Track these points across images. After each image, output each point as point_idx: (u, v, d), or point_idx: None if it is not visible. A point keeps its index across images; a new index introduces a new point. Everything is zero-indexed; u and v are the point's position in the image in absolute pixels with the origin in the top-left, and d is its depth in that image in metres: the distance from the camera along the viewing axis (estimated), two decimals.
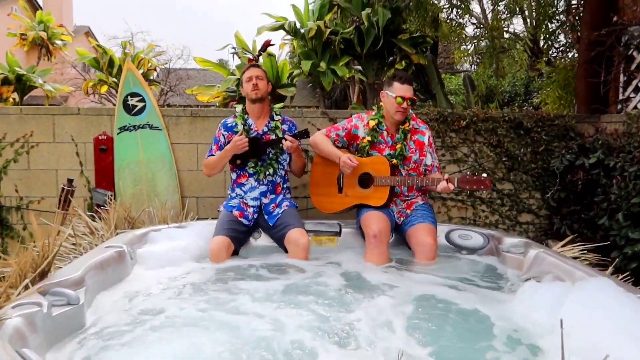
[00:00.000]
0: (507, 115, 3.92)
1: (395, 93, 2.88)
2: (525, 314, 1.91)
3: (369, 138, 2.96)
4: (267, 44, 5.65)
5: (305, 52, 6.03)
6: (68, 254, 2.70)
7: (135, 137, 3.84)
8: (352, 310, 2.02)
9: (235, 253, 2.87)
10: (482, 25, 6.52)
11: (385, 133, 2.99)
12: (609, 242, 3.20)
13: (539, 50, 6.31)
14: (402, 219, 3.01)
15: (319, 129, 3.38)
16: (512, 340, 1.75)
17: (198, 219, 3.67)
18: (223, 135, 3.07)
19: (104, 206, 3.57)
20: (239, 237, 2.91)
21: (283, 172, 3.11)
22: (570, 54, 6.15)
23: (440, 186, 2.76)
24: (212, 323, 1.92)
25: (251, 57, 5.78)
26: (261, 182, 3.04)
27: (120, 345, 1.73)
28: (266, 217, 3.01)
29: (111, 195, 3.74)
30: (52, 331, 1.71)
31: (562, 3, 5.43)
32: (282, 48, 7.53)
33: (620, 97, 4.05)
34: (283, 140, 2.91)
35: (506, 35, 6.52)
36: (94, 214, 3.46)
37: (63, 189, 3.48)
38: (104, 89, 9.30)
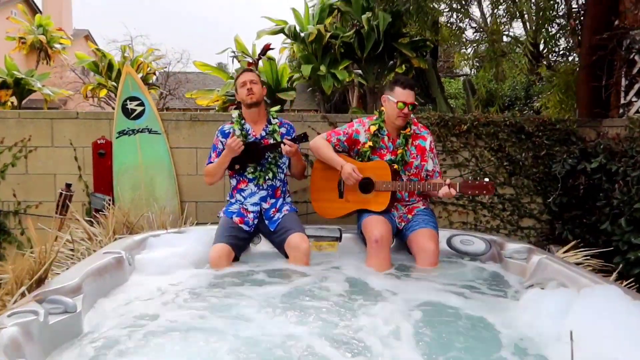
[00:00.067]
0: (509, 120, 3.90)
1: (396, 98, 2.86)
2: (531, 322, 1.88)
3: (370, 143, 2.94)
4: (267, 47, 5.64)
5: (306, 56, 6.02)
6: (65, 260, 2.67)
7: (134, 141, 3.81)
8: (357, 318, 1.99)
9: (235, 259, 2.84)
10: (482, 29, 6.51)
11: (386, 138, 2.96)
12: (612, 248, 3.17)
13: (539, 54, 6.30)
14: (403, 224, 2.98)
15: (319, 133, 3.35)
16: (520, 349, 1.72)
17: (197, 224, 3.65)
18: (221, 142, 3.04)
19: (103, 211, 3.54)
20: (239, 244, 2.87)
21: (282, 176, 3.09)
22: (570, 58, 6.14)
23: (442, 191, 2.73)
24: (212, 330, 1.89)
25: (251, 60, 5.76)
26: (261, 187, 3.01)
27: (118, 354, 1.70)
28: (267, 222, 2.98)
29: (109, 200, 3.71)
30: (48, 340, 1.68)
31: (562, 7, 5.42)
32: (282, 52, 7.52)
33: (622, 101, 4.04)
34: (282, 145, 2.88)
35: (506, 39, 6.50)
36: (92, 219, 3.43)
37: (61, 193, 3.46)
38: (103, 92, 9.28)
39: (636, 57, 3.88)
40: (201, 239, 2.91)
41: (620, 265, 2.98)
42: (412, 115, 2.99)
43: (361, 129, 3.00)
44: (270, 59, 5.65)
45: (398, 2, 5.09)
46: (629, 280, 2.66)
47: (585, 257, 2.97)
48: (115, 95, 5.36)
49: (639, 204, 3.06)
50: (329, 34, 5.77)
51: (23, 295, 1.86)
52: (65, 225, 3.27)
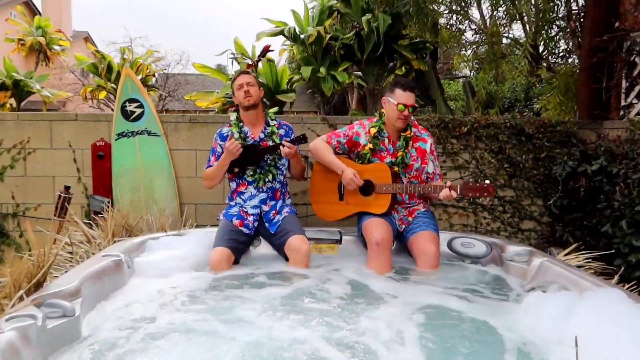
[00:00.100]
0: (509, 122, 3.90)
1: (397, 100, 2.85)
2: (533, 326, 1.87)
3: (370, 145, 2.93)
4: (267, 49, 5.63)
5: (305, 58, 6.02)
6: (64, 263, 2.65)
7: (133, 143, 3.80)
8: (360, 321, 1.98)
9: (235, 262, 2.82)
10: (481, 31, 6.51)
11: (386, 140, 2.95)
12: (613, 251, 3.16)
13: (539, 56, 6.29)
14: (403, 226, 2.97)
15: (318, 135, 3.34)
16: (523, 354, 1.70)
17: (197, 226, 3.63)
18: (220, 145, 3.01)
19: (102, 213, 3.52)
20: (239, 247, 2.86)
21: (282, 178, 3.07)
22: (570, 60, 6.13)
23: (443, 194, 2.72)
24: (214, 334, 1.88)
25: (250, 62, 5.75)
26: (260, 190, 2.99)
27: (116, 358, 1.69)
28: (267, 225, 2.96)
29: (109, 202, 3.69)
30: (46, 344, 1.67)
31: (562, 9, 5.42)
32: (281, 54, 7.52)
33: (623, 103, 4.03)
34: (281, 147, 2.86)
35: (506, 41, 6.50)
36: (91, 222, 3.41)
37: (60, 196, 3.44)
38: (103, 94, 9.28)
39: (637, 59, 3.87)
40: (201, 242, 2.90)
41: (622, 268, 2.97)
42: (412, 118, 2.98)
43: (361, 131, 2.99)
44: (270, 61, 5.65)
45: (398, 3, 5.08)
46: (631, 284, 2.65)
47: (587, 260, 2.96)
48: (115, 97, 5.34)
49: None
50: (328, 36, 5.77)
51: (21, 299, 1.84)
52: (64, 228, 3.25)
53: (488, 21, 6.61)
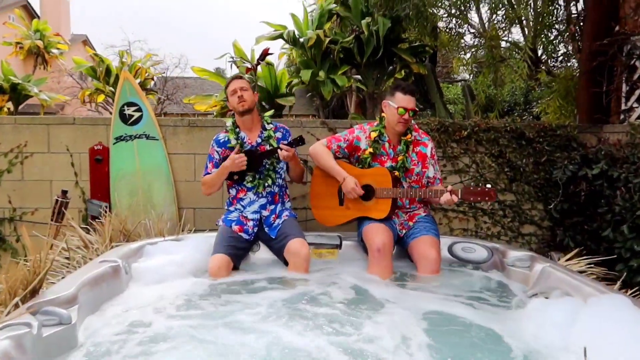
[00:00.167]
0: (509, 125, 3.88)
1: (397, 104, 2.83)
2: (537, 333, 1.85)
3: (370, 150, 2.90)
4: (266, 52, 5.61)
5: (305, 61, 6.00)
6: (61, 268, 2.62)
7: (131, 147, 3.77)
8: (363, 327, 1.95)
9: (234, 268, 2.79)
10: (480, 35, 6.51)
11: (387, 144, 2.93)
12: (615, 256, 3.14)
13: (538, 60, 6.30)
14: (404, 231, 2.94)
15: (318, 139, 3.32)
16: None
17: (195, 231, 3.60)
18: (217, 152, 2.98)
19: (99, 218, 3.49)
20: (238, 253, 2.83)
21: (281, 181, 3.04)
22: (570, 64, 6.14)
23: (444, 198, 2.70)
24: (212, 341, 1.85)
25: (249, 66, 5.73)
26: (260, 195, 2.97)
27: None
28: (266, 229, 2.93)
29: (106, 207, 3.66)
30: (42, 353, 1.64)
31: (562, 12, 5.42)
32: (280, 58, 7.51)
33: (623, 107, 4.02)
34: (278, 150, 2.84)
35: (505, 45, 6.51)
36: (88, 227, 3.38)
37: (57, 200, 3.41)
38: (101, 98, 9.26)
39: (637, 63, 3.86)
40: (199, 247, 2.87)
41: (624, 274, 2.95)
42: (412, 122, 2.97)
43: (362, 136, 2.96)
44: (269, 64, 5.63)
45: (398, 7, 5.08)
46: (634, 289, 2.62)
47: (589, 265, 2.94)
48: (113, 101, 5.32)
49: None
50: (328, 39, 5.76)
51: (17, 306, 1.81)
52: (61, 233, 3.22)
53: (487, 25, 6.61)
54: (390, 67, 6.25)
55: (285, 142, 2.90)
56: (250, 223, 2.93)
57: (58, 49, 13.20)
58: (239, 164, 2.82)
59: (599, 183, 3.44)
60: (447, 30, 6.17)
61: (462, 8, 5.90)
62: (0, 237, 3.77)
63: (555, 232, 3.77)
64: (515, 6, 5.75)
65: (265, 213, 2.96)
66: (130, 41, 12.56)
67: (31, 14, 18.27)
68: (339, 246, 3.04)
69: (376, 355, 1.71)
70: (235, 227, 2.89)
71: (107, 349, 1.77)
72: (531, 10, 5.81)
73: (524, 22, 6.47)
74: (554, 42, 5.95)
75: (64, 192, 3.50)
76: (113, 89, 8.29)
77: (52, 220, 3.36)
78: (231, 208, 3.01)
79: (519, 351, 1.74)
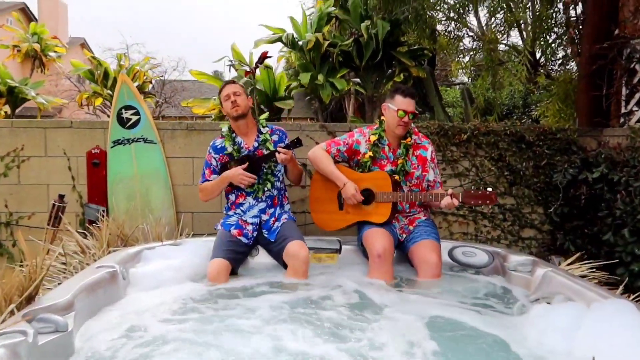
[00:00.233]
0: (509, 129, 3.87)
1: (397, 106, 2.81)
2: (541, 338, 1.83)
3: (370, 153, 2.88)
4: (264, 55, 5.59)
5: (304, 64, 5.99)
6: (57, 274, 2.59)
7: (129, 150, 3.75)
8: (366, 334, 1.93)
9: (233, 273, 2.76)
10: (479, 38, 6.52)
11: (387, 148, 2.91)
12: (616, 260, 3.12)
13: (537, 63, 6.30)
14: (404, 235, 2.92)
15: (317, 143, 3.30)
16: None
17: (194, 235, 3.57)
18: (214, 158, 2.96)
19: (97, 222, 3.46)
20: (237, 257, 2.80)
21: (279, 184, 3.02)
22: (568, 67, 6.15)
23: (444, 202, 2.68)
24: (212, 347, 1.83)
25: (248, 69, 5.72)
26: (260, 200, 2.94)
27: None
28: (266, 233, 2.90)
29: (104, 211, 3.63)
30: None
31: (561, 16, 5.43)
32: (279, 61, 7.50)
33: (623, 110, 4.02)
34: (276, 153, 2.81)
35: (505, 48, 6.51)
36: (85, 231, 3.35)
37: (54, 205, 3.37)
38: (99, 101, 9.22)
39: (637, 67, 3.86)
40: (198, 252, 2.84)
41: (626, 278, 2.93)
42: (412, 125, 2.95)
43: (362, 139, 2.94)
44: (268, 68, 5.61)
45: (397, 10, 5.07)
46: (636, 294, 2.60)
47: (590, 270, 2.92)
48: (111, 104, 5.30)
49: None
50: (327, 43, 5.75)
51: (12, 313, 1.78)
52: (58, 238, 3.19)
53: (485, 28, 6.61)
54: (390, 71, 6.24)
55: (283, 144, 2.88)
56: (250, 227, 2.91)
57: (55, 52, 13.16)
58: (241, 179, 2.81)
59: (599, 187, 3.43)
60: (446, 33, 6.18)
61: (461, 11, 5.90)
62: None
63: (556, 236, 3.76)
64: (513, 9, 5.76)
65: (264, 217, 2.94)
66: (128, 44, 12.55)
67: (29, 16, 18.24)
68: (339, 251, 3.01)
69: None
70: (234, 231, 2.86)
71: (105, 356, 1.75)
72: (530, 14, 5.82)
73: (523, 25, 6.48)
74: (553, 45, 5.96)
75: (61, 197, 3.46)
76: (111, 92, 8.26)
77: (48, 224, 3.33)
78: (230, 212, 2.99)
79: (525, 358, 1.71)
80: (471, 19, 6.61)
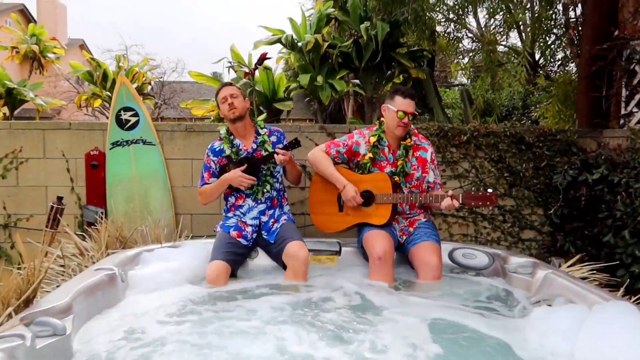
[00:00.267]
0: (509, 130, 3.86)
1: (396, 107, 2.80)
2: (542, 341, 1.82)
3: (370, 155, 2.87)
4: (264, 57, 5.58)
5: (303, 66, 5.98)
6: (56, 276, 2.57)
7: (128, 152, 3.73)
8: (366, 337, 1.92)
9: (232, 275, 2.74)
10: (478, 39, 6.52)
11: (386, 149, 2.90)
12: (617, 262, 3.11)
13: (536, 64, 6.30)
14: (404, 237, 2.91)
15: (317, 144, 3.29)
16: None
17: (193, 237, 3.56)
18: (213, 161, 2.94)
19: (95, 224, 3.45)
20: (236, 259, 2.78)
21: (278, 185, 3.01)
22: (568, 68, 6.15)
23: (445, 203, 2.67)
24: (211, 350, 1.82)
25: (247, 70, 5.70)
26: (259, 202, 2.93)
27: None
28: (265, 234, 2.89)
29: (102, 213, 3.62)
30: None
31: (560, 17, 5.42)
32: (278, 62, 7.49)
33: (623, 111, 4.01)
34: (275, 155, 2.80)
35: (504, 49, 6.52)
36: (84, 233, 3.34)
37: (52, 206, 3.36)
38: (98, 102, 9.20)
39: (637, 68, 3.86)
40: (197, 254, 2.83)
41: (627, 280, 2.92)
42: (412, 126, 2.94)
43: (361, 141, 2.93)
44: (267, 69, 5.60)
45: (396, 11, 5.07)
46: (637, 297, 2.59)
47: (591, 272, 2.91)
48: (110, 105, 5.29)
49: None
50: (326, 44, 5.74)
51: (10, 316, 1.77)
52: (56, 240, 3.17)
53: (485, 29, 6.61)
54: (389, 72, 6.23)
55: (281, 145, 2.87)
56: (249, 229, 2.89)
57: (54, 53, 13.12)
58: (241, 182, 2.80)
59: (599, 188, 3.43)
60: (446, 34, 6.17)
61: (460, 12, 5.90)
62: None
63: (556, 237, 3.75)
64: (513, 11, 5.76)
65: (264, 219, 2.92)
66: (127, 45, 12.53)
67: (28, 18, 18.22)
68: (339, 252, 3.00)
69: None
70: (233, 233, 2.85)
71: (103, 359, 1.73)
72: (529, 15, 5.82)
73: (522, 26, 6.48)
74: (552, 46, 5.95)
75: (60, 198, 3.45)
76: (110, 94, 8.24)
77: (47, 226, 3.31)
78: (229, 214, 2.97)
79: None
80: (470, 20, 6.62)
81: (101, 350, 1.81)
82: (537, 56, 6.53)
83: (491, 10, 5.80)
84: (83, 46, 20.30)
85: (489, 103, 8.10)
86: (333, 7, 6.24)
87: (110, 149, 3.72)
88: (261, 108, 5.74)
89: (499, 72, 6.40)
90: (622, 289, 2.62)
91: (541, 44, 5.90)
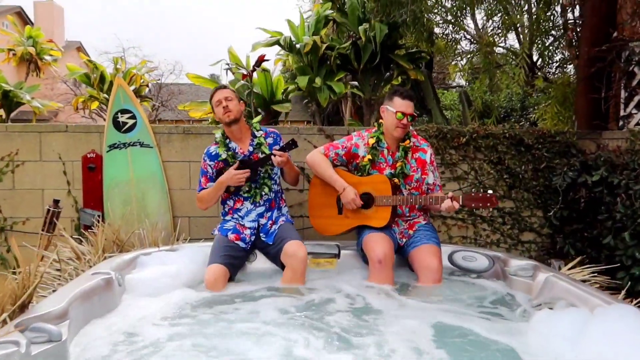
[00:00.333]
0: (508, 132, 3.84)
1: (395, 108, 2.79)
2: (544, 345, 1.80)
3: (369, 157, 2.85)
4: (261, 59, 5.56)
5: (301, 68, 5.97)
6: (52, 281, 2.54)
7: (125, 155, 3.71)
8: (369, 341, 1.90)
9: (230, 279, 2.72)
10: (476, 41, 6.52)
11: (385, 151, 2.88)
12: (618, 264, 3.10)
13: (534, 66, 6.31)
14: (404, 240, 2.89)
15: (315, 146, 3.27)
16: None
17: (190, 240, 3.53)
18: (209, 165, 2.92)
19: (92, 228, 3.42)
20: (235, 262, 2.76)
21: (276, 187, 2.99)
22: (566, 70, 6.15)
23: (445, 205, 2.65)
24: (212, 354, 1.80)
25: (245, 72, 5.69)
26: (258, 204, 2.90)
27: None
28: (263, 237, 2.87)
29: (99, 216, 3.59)
30: None
31: (558, 18, 5.43)
32: (276, 64, 7.48)
33: (622, 113, 4.01)
34: (272, 156, 2.78)
35: (502, 51, 6.52)
36: (80, 237, 3.30)
37: (49, 210, 3.32)
38: (95, 105, 9.18)
39: (635, 69, 3.85)
40: (195, 257, 2.80)
41: (628, 283, 2.91)
42: (411, 128, 2.92)
43: (360, 143, 2.91)
44: (265, 71, 5.59)
45: (394, 13, 5.06)
46: (638, 300, 2.57)
47: (591, 274, 2.90)
48: (107, 108, 5.27)
49: None
50: (324, 45, 5.73)
51: (4, 322, 1.74)
52: (53, 244, 3.14)
53: (483, 31, 6.61)
54: (387, 74, 6.23)
55: (278, 147, 2.85)
56: (247, 231, 2.87)
57: (51, 55, 13.10)
58: (238, 179, 2.77)
59: (598, 190, 3.42)
60: (444, 36, 6.17)
61: (458, 14, 5.90)
62: None
63: (555, 239, 3.74)
64: (510, 12, 5.76)
65: (262, 221, 2.90)
66: (124, 48, 12.51)
67: (25, 20, 18.18)
68: (338, 255, 2.98)
69: None
70: (231, 236, 2.82)
71: None
72: (527, 17, 5.82)
73: (520, 28, 6.48)
74: (551, 48, 5.96)
75: (56, 202, 3.42)
76: (107, 96, 8.22)
77: (43, 230, 3.27)
78: (227, 217, 2.95)
79: None
80: (468, 22, 6.61)
81: (98, 356, 1.79)
82: (535, 58, 6.53)
83: (489, 12, 5.80)
84: (80, 48, 20.27)
85: (487, 105, 8.11)
86: (331, 9, 6.24)
87: (107, 151, 3.69)
88: (259, 110, 5.72)
89: (497, 73, 6.40)
90: (623, 292, 2.60)
91: (539, 46, 5.91)
